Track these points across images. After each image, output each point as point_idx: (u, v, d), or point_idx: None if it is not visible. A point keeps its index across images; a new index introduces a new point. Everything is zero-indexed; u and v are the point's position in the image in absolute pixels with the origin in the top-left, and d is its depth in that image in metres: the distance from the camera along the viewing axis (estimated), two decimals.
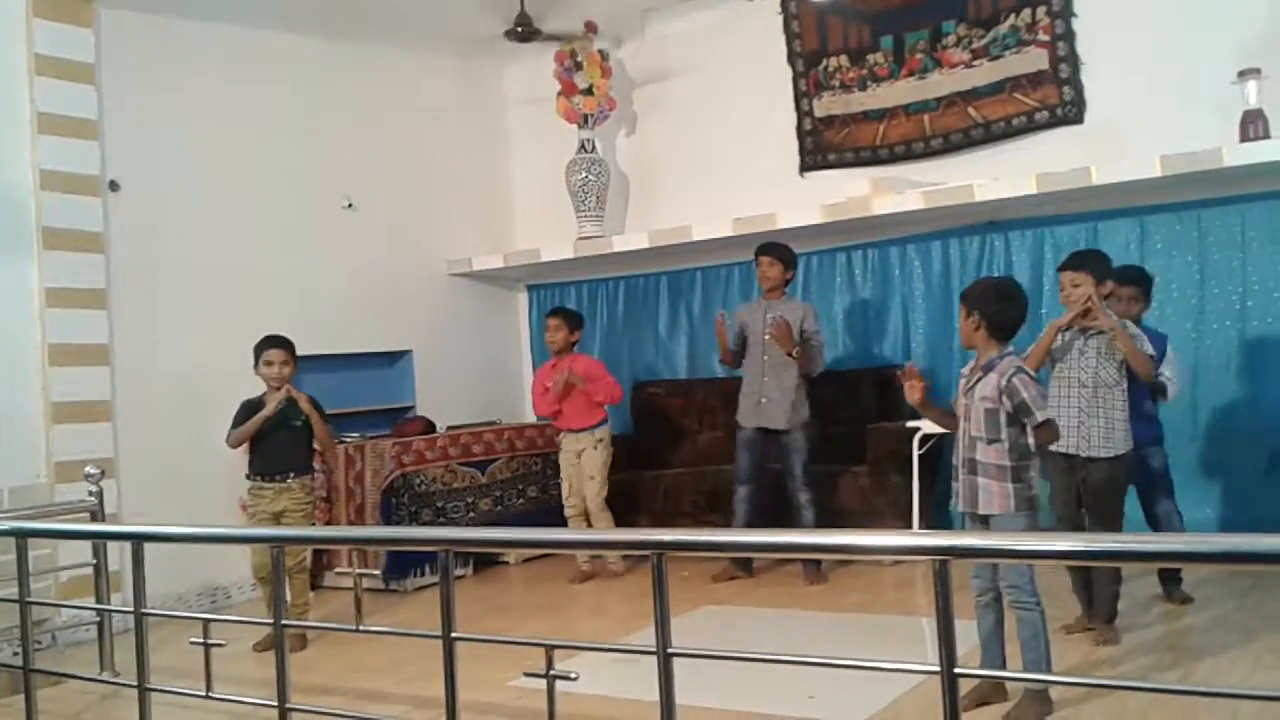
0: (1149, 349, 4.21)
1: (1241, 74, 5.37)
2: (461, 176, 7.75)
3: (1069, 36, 6.07)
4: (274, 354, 5.14)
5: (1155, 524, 4.71)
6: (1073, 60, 6.07)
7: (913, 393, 3.67)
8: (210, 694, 3.40)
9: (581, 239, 7.38)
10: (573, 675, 2.80)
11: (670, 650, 2.63)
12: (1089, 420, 4.16)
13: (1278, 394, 5.60)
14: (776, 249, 5.85)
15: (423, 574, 6.13)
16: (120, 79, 5.79)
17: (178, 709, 3.72)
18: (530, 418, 7.77)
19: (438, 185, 7.55)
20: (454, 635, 2.97)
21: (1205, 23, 5.68)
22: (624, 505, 6.46)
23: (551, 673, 2.79)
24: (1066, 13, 6.07)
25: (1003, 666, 3.53)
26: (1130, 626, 4.39)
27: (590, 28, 7.30)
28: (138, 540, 3.64)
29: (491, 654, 3.43)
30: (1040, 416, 3.48)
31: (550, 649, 2.81)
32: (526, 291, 8.22)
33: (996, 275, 6.00)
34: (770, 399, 5.74)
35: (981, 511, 3.51)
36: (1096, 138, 5.95)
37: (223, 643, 3.43)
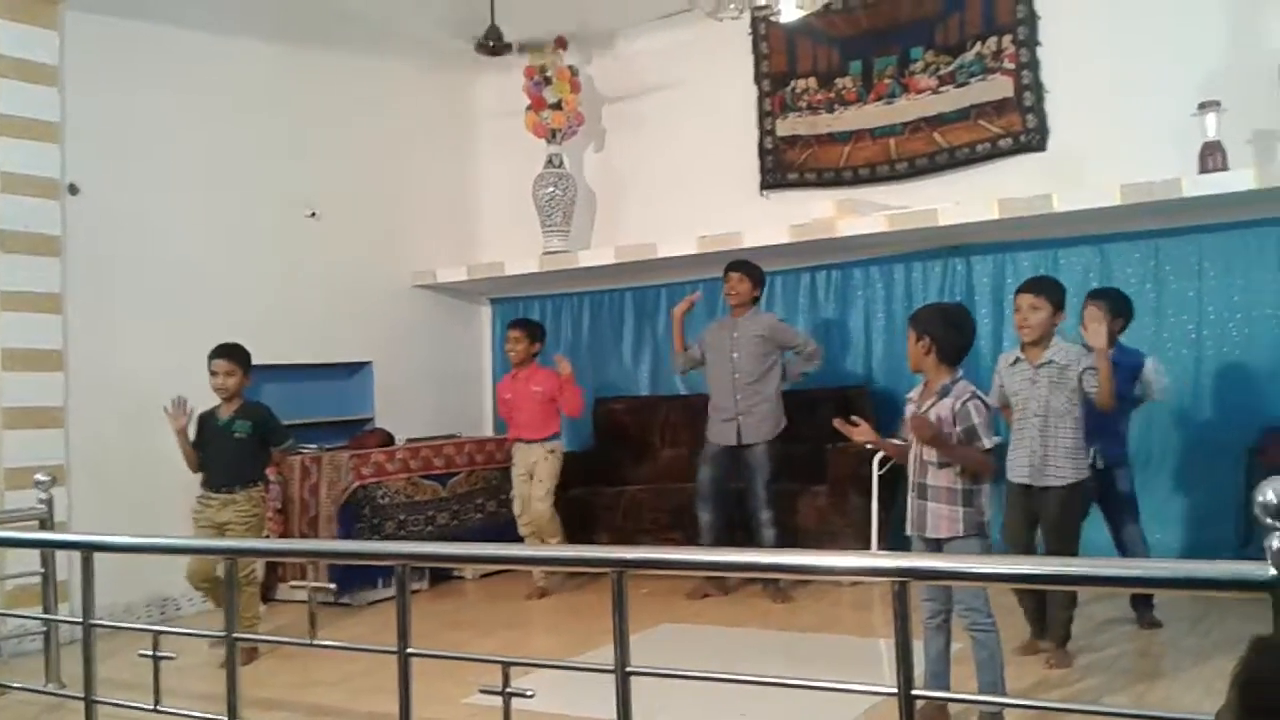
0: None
1: (1201, 106, 5.46)
2: (427, 188, 7.72)
3: (1033, 66, 6.16)
4: (218, 364, 5.10)
5: (1122, 548, 4.76)
6: (1037, 89, 6.15)
7: (864, 435, 3.69)
8: (159, 707, 3.34)
9: (547, 253, 7.37)
10: (529, 692, 2.78)
11: (629, 669, 2.61)
12: (1040, 450, 4.19)
13: (1230, 421, 5.67)
14: (745, 265, 5.91)
15: (376, 587, 6.07)
16: (84, 82, 5.72)
17: None
18: (490, 431, 7.75)
19: (403, 196, 7.52)
20: (409, 650, 2.94)
21: (1166, 55, 5.77)
22: (584, 522, 6.44)
23: (508, 689, 2.76)
24: (1031, 42, 6.16)
25: (948, 689, 3.54)
26: (1084, 649, 4.43)
27: (560, 43, 7.31)
28: (87, 549, 3.58)
29: (446, 670, 3.39)
30: (986, 443, 3.50)
31: (507, 665, 2.79)
32: (490, 305, 8.20)
33: (946, 301, 6.07)
34: (747, 415, 5.77)
35: (929, 535, 3.53)
36: (1059, 166, 6.02)
37: (172, 655, 3.38)
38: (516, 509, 6.27)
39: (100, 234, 5.76)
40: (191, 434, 5.13)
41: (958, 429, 3.48)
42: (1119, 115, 5.86)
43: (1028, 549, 4.29)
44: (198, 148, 6.24)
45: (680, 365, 6.18)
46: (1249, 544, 5.08)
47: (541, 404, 6.19)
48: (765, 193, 6.99)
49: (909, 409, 3.69)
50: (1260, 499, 1.99)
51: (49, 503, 4.66)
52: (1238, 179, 5.29)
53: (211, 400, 5.17)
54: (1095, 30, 5.99)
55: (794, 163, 6.93)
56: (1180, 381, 5.82)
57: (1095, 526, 4.77)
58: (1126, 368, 4.72)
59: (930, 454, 3.52)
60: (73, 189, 5.67)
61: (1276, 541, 1.98)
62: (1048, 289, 4.28)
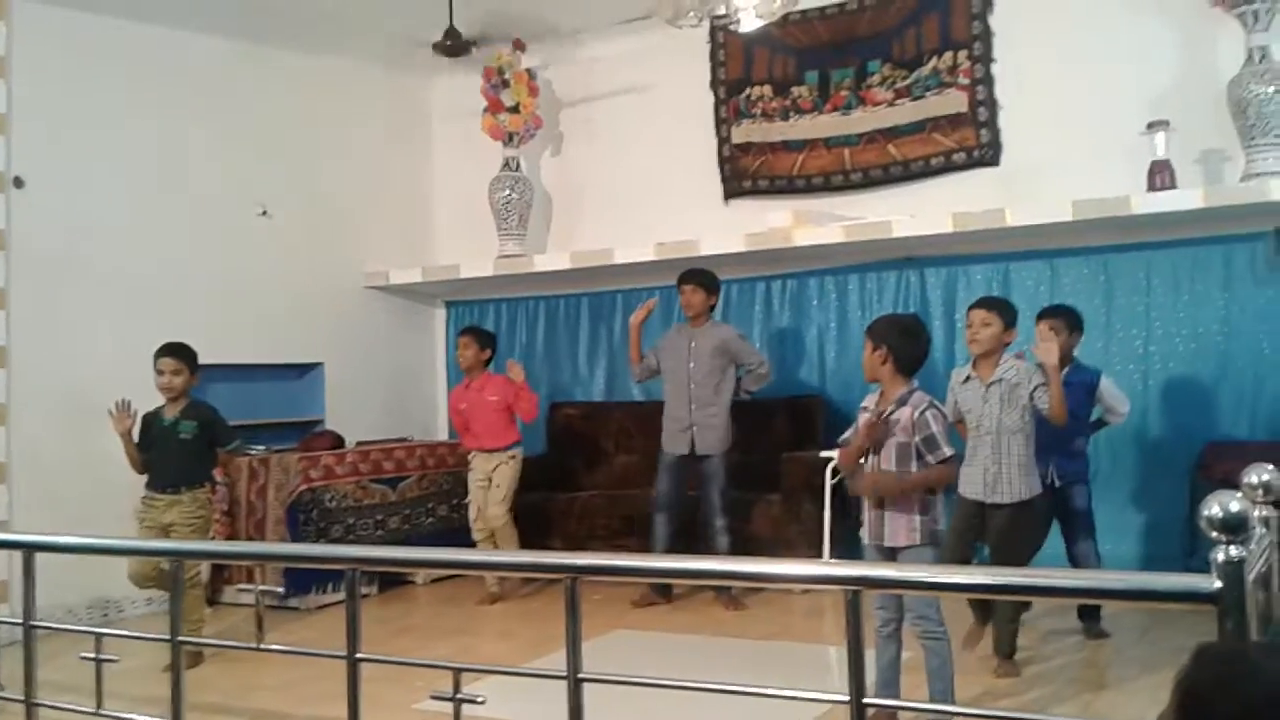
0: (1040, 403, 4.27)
1: (1150, 125, 5.55)
2: (382, 188, 7.65)
3: (988, 81, 6.23)
4: (164, 363, 5.02)
5: (1074, 563, 4.81)
6: (991, 104, 6.23)
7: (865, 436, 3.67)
8: (100, 710, 3.28)
9: (502, 257, 7.33)
10: (480, 699, 2.76)
11: (581, 675, 2.60)
12: (993, 467, 4.23)
13: (1176, 435, 5.77)
14: (698, 275, 5.90)
15: (325, 591, 5.99)
16: (32, 73, 5.61)
17: None
18: (443, 435, 7.70)
19: (357, 196, 7.44)
20: (359, 656, 2.90)
21: (1118, 74, 5.87)
22: (537, 527, 6.40)
23: (458, 695, 2.74)
24: (986, 59, 6.24)
25: (898, 697, 3.56)
26: (1031, 659, 4.48)
27: (519, 46, 7.28)
28: (28, 549, 3.50)
29: (396, 675, 3.36)
30: (946, 452, 3.53)
31: (458, 671, 2.77)
32: (445, 308, 8.14)
33: (902, 312, 6.12)
34: (701, 427, 5.78)
35: (888, 544, 3.56)
36: (1011, 181, 6.10)
37: (115, 658, 3.31)
38: (471, 514, 6.21)
39: (46, 228, 5.66)
40: (136, 435, 5.05)
41: (916, 438, 3.51)
42: (1071, 132, 5.95)
43: (964, 562, 4.32)
44: (148, 143, 6.15)
45: (639, 375, 6.18)
46: (1194, 555, 5.18)
47: (498, 412, 6.15)
48: (729, 201, 7.01)
49: (863, 417, 3.72)
50: (1205, 513, 2.02)
51: None
52: (1185, 198, 5.39)
53: (157, 400, 5.09)
54: (1048, 49, 6.07)
55: (748, 170, 6.95)
56: (1129, 394, 5.90)
57: (1051, 542, 4.82)
58: (1082, 385, 4.78)
59: (888, 463, 3.55)
60: (18, 182, 5.56)
61: (1221, 555, 2.01)
62: (1000, 307, 4.33)
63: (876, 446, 3.60)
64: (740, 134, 6.97)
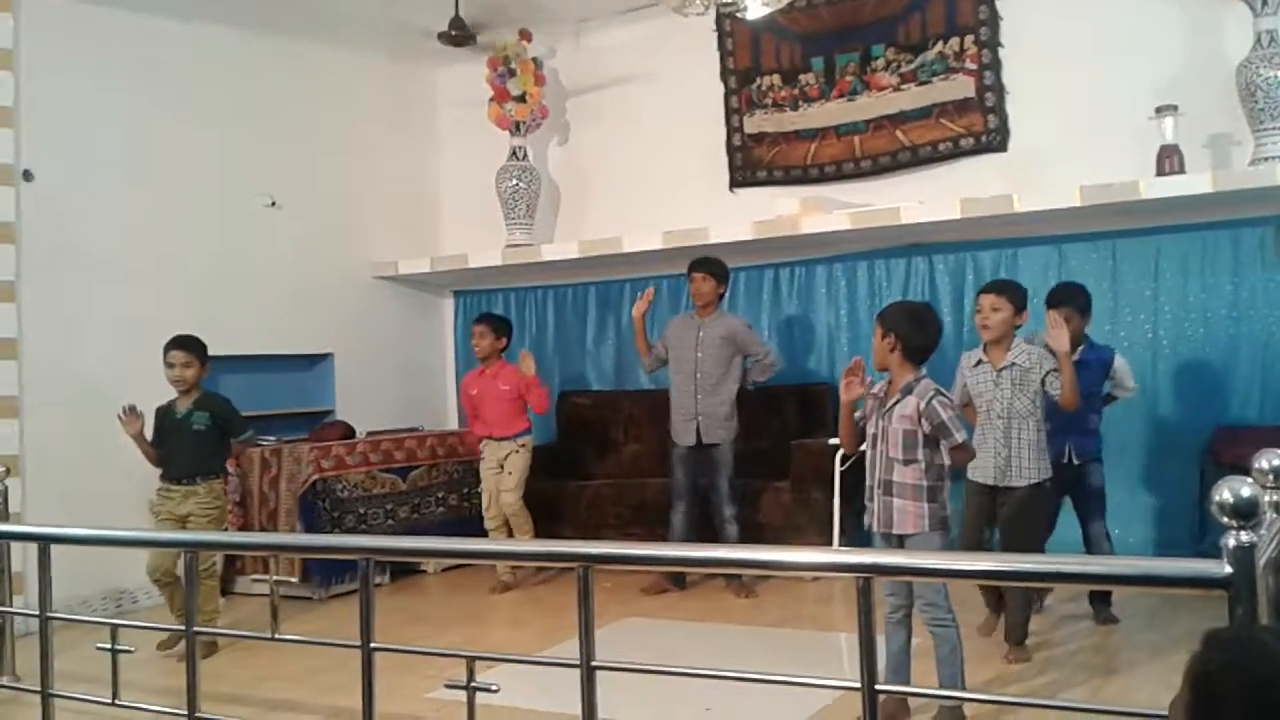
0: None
1: (1159, 110, 5.53)
2: (389, 178, 7.66)
3: (995, 66, 6.21)
4: (174, 355, 5.04)
5: (1089, 542, 4.82)
6: (998, 90, 6.21)
7: (850, 390, 3.68)
8: (117, 700, 3.31)
9: (510, 246, 7.34)
10: (494, 687, 2.78)
11: (594, 663, 2.62)
12: (1004, 451, 4.24)
13: (1186, 420, 5.76)
14: (709, 264, 5.89)
15: (342, 581, 6.01)
16: (40, 66, 5.62)
17: (82, 716, 3.61)
18: (453, 425, 7.72)
19: (364, 186, 7.45)
20: (373, 645, 2.93)
21: (1126, 59, 5.85)
22: (547, 516, 6.42)
23: (472, 683, 2.76)
24: (993, 43, 6.21)
25: (909, 683, 3.58)
26: (1042, 644, 4.49)
27: (525, 35, 7.28)
28: (44, 541, 3.53)
29: (409, 664, 3.38)
30: (959, 437, 3.54)
31: (471, 660, 2.79)
32: (453, 297, 8.15)
33: (914, 299, 6.12)
34: (707, 417, 5.79)
35: (896, 531, 3.56)
36: (1019, 166, 6.08)
37: (130, 649, 3.34)
38: (484, 503, 6.24)
39: (55, 221, 5.68)
40: (151, 429, 5.07)
41: (926, 427, 3.51)
42: (1079, 117, 5.93)
43: (983, 547, 4.34)
44: (156, 134, 6.16)
45: (649, 366, 6.15)
46: (1204, 540, 5.18)
47: (510, 402, 6.17)
48: (735, 190, 7.00)
49: (870, 403, 3.72)
50: (1216, 499, 2.02)
51: (3, 494, 4.58)
52: (1194, 182, 5.36)
53: (168, 392, 5.11)
54: (1056, 33, 6.04)
55: (762, 160, 6.94)
56: (1137, 380, 5.90)
57: (1065, 523, 4.83)
58: (1098, 363, 4.80)
59: (895, 451, 3.55)
60: (27, 175, 5.58)
61: (1232, 540, 2.02)
62: (1009, 290, 4.33)
63: (884, 434, 3.60)
64: (753, 124, 6.95)
